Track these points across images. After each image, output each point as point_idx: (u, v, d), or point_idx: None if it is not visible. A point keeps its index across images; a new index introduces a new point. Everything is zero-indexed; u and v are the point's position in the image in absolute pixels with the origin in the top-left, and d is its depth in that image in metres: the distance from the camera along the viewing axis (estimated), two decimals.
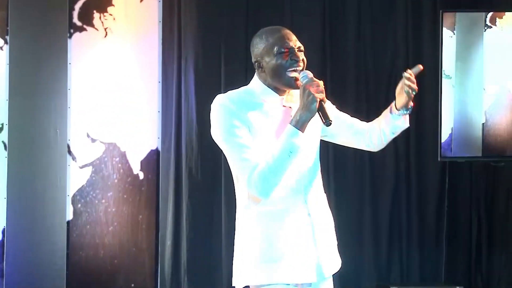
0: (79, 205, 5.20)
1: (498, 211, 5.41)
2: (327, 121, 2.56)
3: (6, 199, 5.09)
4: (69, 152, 5.18)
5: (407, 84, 2.65)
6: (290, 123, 2.55)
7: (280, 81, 2.63)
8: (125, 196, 5.25)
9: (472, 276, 5.39)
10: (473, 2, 5.31)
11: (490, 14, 5.01)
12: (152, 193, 5.27)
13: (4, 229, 5.09)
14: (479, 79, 5.02)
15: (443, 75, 4.99)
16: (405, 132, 5.24)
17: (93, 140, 5.23)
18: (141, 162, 5.28)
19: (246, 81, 2.74)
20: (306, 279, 2.64)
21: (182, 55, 5.23)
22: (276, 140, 2.57)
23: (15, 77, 5.11)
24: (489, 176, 5.40)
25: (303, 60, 2.63)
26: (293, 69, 2.61)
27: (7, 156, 5.10)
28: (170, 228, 5.20)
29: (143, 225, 5.27)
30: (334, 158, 5.25)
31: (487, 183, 5.41)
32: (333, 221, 2.78)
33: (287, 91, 2.68)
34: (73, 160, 5.20)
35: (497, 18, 5.01)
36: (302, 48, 2.65)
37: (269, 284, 2.61)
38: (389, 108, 2.77)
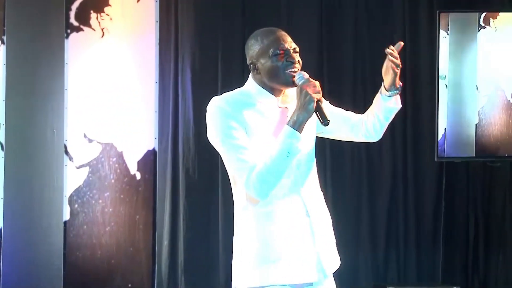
0: (76, 205, 5.20)
1: (495, 211, 5.42)
2: (325, 121, 2.55)
3: (3, 199, 5.09)
4: (66, 152, 5.18)
5: (390, 60, 2.63)
6: (287, 124, 2.54)
7: (277, 81, 2.62)
8: (122, 196, 5.24)
9: (469, 276, 5.39)
10: (469, 3, 5.31)
11: (484, 14, 5.01)
12: (149, 193, 5.27)
13: (1, 229, 5.08)
14: (473, 79, 5.02)
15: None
16: (402, 132, 5.35)
17: (90, 140, 5.22)
18: (138, 162, 5.27)
19: (243, 81, 2.73)
20: (306, 279, 2.63)
21: (179, 55, 5.23)
22: (273, 141, 2.55)
23: (12, 77, 5.11)
24: (485, 177, 5.41)
25: (298, 61, 2.62)
26: (290, 70, 2.60)
27: (4, 156, 5.10)
28: (167, 228, 5.20)
29: (140, 225, 5.27)
30: (331, 157, 5.25)
31: (484, 183, 5.42)
32: (331, 219, 2.77)
33: (283, 91, 2.67)
34: (70, 160, 5.19)
35: (491, 19, 5.01)
36: (298, 49, 2.64)
37: (266, 286, 2.59)
38: (379, 91, 2.76)
